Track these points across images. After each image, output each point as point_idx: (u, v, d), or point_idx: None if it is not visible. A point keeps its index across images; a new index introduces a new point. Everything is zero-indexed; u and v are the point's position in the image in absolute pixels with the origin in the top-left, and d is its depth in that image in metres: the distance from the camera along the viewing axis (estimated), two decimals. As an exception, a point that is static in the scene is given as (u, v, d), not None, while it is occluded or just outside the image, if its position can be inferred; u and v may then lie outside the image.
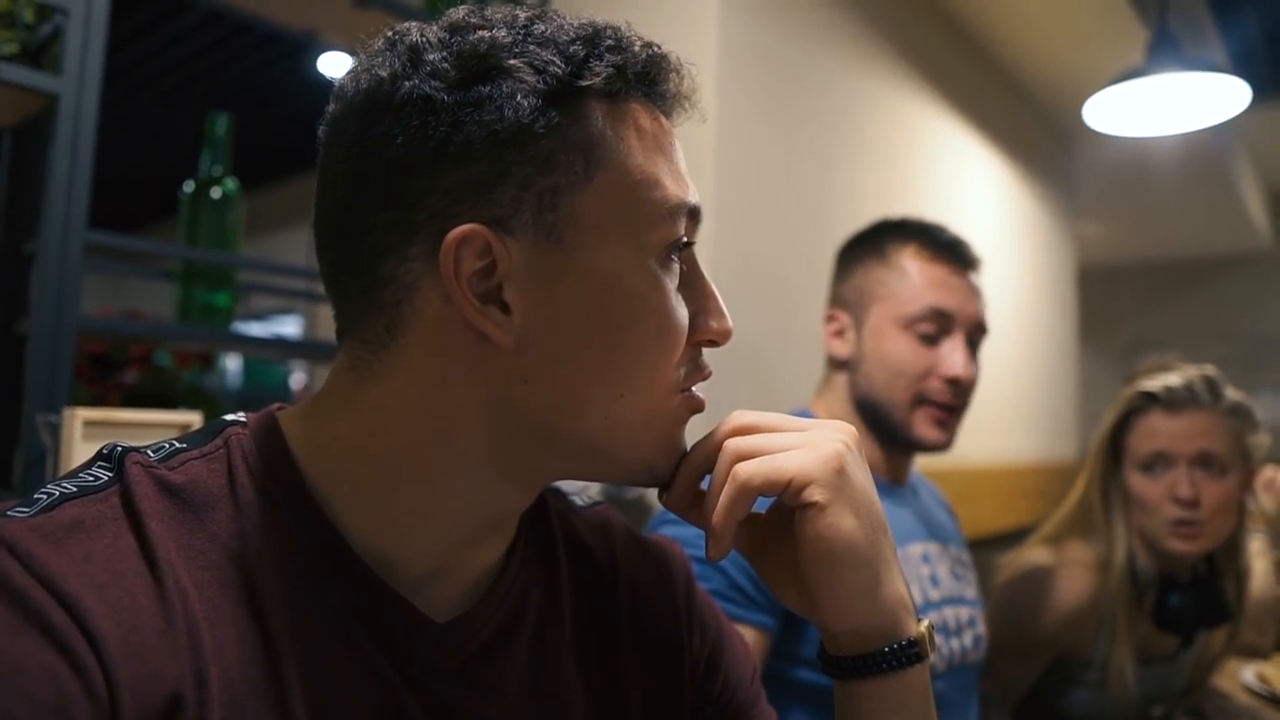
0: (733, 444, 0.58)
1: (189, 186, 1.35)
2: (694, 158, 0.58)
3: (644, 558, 0.71)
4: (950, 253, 1.25)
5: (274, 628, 0.50)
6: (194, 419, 1.10)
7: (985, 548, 1.65)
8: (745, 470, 0.56)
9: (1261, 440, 1.49)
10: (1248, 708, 1.60)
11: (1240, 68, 2.27)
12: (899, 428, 1.22)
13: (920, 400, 1.21)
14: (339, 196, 0.54)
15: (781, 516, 0.61)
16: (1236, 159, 4.61)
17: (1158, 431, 1.46)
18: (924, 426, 1.21)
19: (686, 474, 0.59)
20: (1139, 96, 2.37)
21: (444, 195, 0.51)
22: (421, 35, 0.53)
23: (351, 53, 1.78)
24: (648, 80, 0.56)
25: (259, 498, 0.53)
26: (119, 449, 0.53)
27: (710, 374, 0.60)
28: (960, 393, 1.22)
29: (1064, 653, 1.48)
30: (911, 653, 0.58)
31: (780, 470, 0.56)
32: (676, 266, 0.56)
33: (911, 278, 1.22)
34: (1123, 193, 4.74)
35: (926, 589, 1.22)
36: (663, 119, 0.57)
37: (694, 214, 0.57)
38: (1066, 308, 3.95)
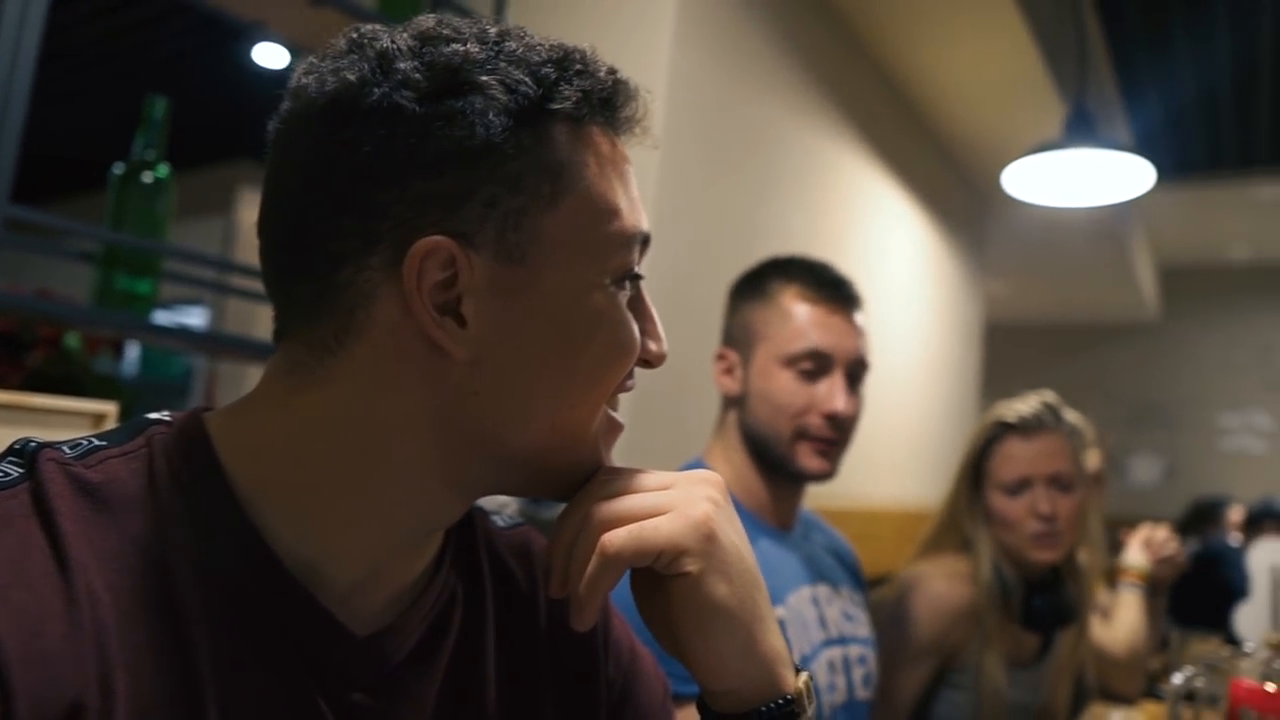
0: (599, 511, 0.56)
1: (119, 168, 1.30)
2: (637, 186, 0.59)
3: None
4: (830, 292, 1.27)
5: (190, 636, 0.48)
6: (109, 409, 1.06)
7: (885, 585, 1.71)
8: (615, 542, 0.54)
9: (1091, 456, 1.70)
10: None
11: (1144, 148, 2.42)
12: (783, 460, 1.25)
13: (800, 435, 1.24)
14: (295, 199, 0.52)
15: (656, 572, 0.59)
16: (1133, 235, 4.90)
17: (1018, 457, 1.62)
18: (806, 457, 1.24)
19: (559, 551, 0.57)
20: (1053, 168, 2.50)
21: (410, 207, 0.50)
22: (392, 42, 0.52)
23: (294, 48, 1.74)
24: (610, 106, 0.56)
25: (180, 501, 0.51)
26: (32, 444, 0.51)
27: (633, 387, 0.60)
28: (839, 426, 1.25)
29: (946, 659, 1.58)
30: (788, 710, 0.57)
31: (650, 542, 0.54)
32: (628, 292, 0.57)
33: (792, 318, 1.25)
34: (1030, 257, 4.99)
35: (815, 631, 1.26)
36: (620, 145, 0.57)
37: (645, 242, 0.58)
38: (971, 360, 4.11)
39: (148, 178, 1.30)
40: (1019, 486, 1.61)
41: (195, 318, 5.02)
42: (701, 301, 1.91)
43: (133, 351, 3.69)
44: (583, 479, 0.58)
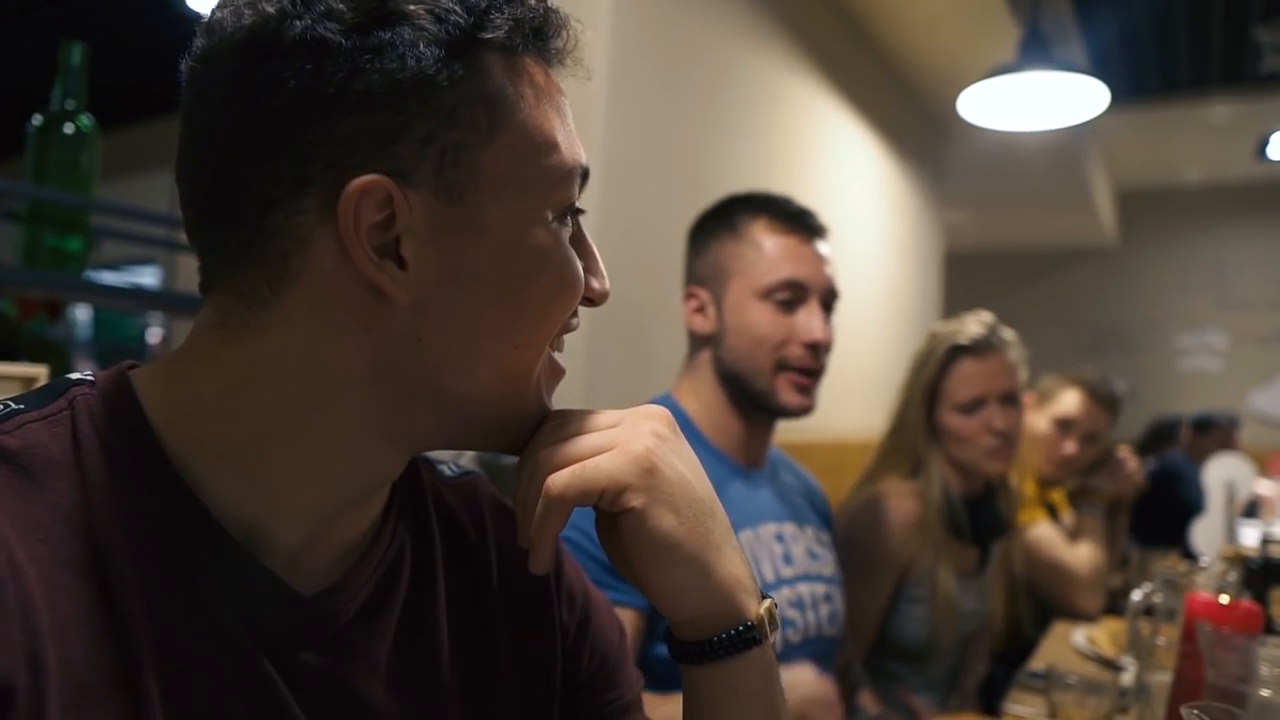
0: (547, 455, 0.56)
1: (38, 120, 1.24)
2: (583, 125, 0.57)
3: (512, 526, 0.70)
4: (799, 223, 1.27)
5: (124, 605, 0.46)
6: (39, 372, 1.02)
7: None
8: (557, 484, 0.54)
9: (1024, 372, 1.82)
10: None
11: (1099, 70, 2.41)
12: (763, 395, 1.25)
13: (781, 367, 1.24)
14: (217, 143, 0.49)
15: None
16: (1089, 159, 4.91)
17: (973, 376, 1.72)
18: (786, 393, 1.25)
19: (517, 500, 0.58)
20: (1009, 92, 2.48)
21: (341, 146, 0.48)
22: None
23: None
24: (542, 36, 0.54)
25: (108, 464, 0.48)
26: None
27: (578, 326, 0.59)
28: (818, 355, 1.26)
29: (902, 572, 1.64)
30: (749, 637, 0.58)
31: (591, 481, 0.54)
32: (570, 228, 0.56)
33: (765, 250, 1.25)
34: (988, 184, 4.99)
35: (779, 566, 1.26)
36: (553, 76, 0.56)
37: (585, 176, 0.56)
38: (932, 290, 4.12)
39: (69, 129, 1.24)
40: (974, 405, 1.70)
41: (147, 277, 4.89)
42: (655, 239, 1.88)
43: (85, 315, 3.58)
44: (528, 431, 0.58)
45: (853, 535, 1.61)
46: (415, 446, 0.57)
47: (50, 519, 0.46)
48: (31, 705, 0.41)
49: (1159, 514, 3.40)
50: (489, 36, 0.50)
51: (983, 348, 1.72)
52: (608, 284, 0.59)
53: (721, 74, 2.25)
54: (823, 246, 1.28)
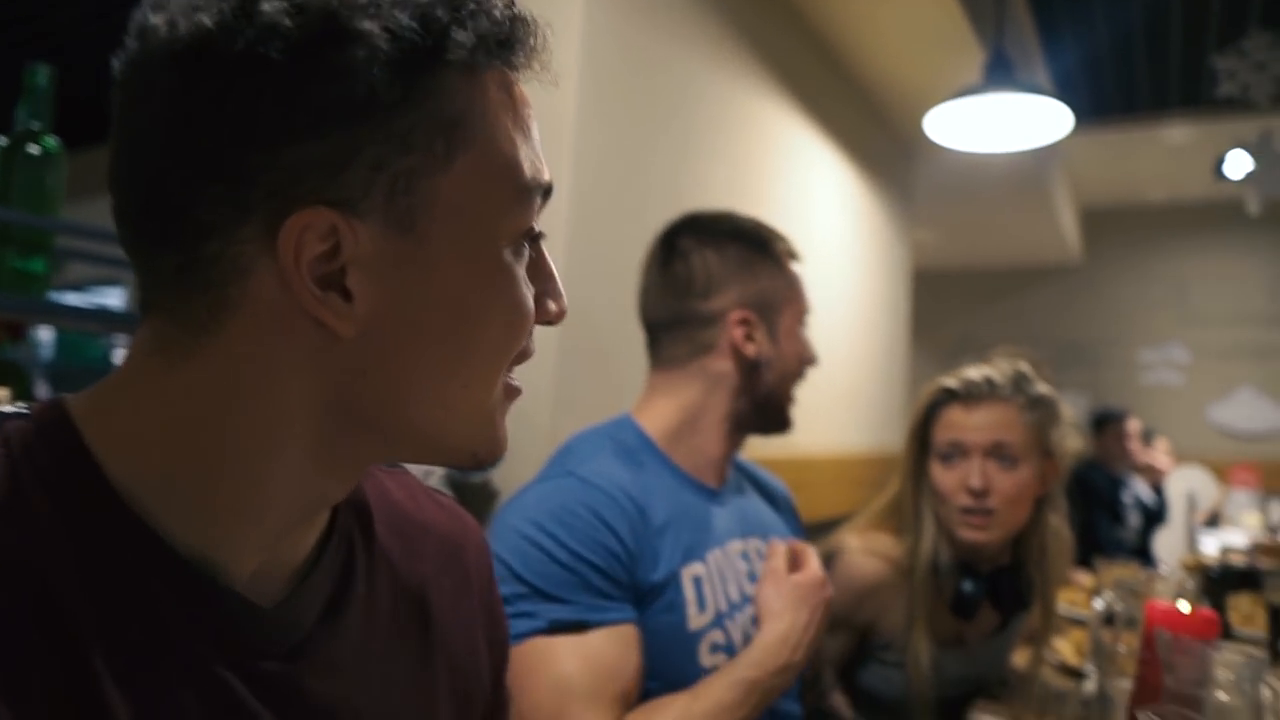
0: None
1: (2, 141, 1.24)
2: (552, 145, 0.58)
3: (443, 510, 0.70)
4: (795, 251, 1.36)
5: (81, 647, 0.44)
6: (1, 394, 1.01)
7: (819, 531, 1.72)
8: None
9: (1067, 436, 1.54)
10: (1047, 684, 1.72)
11: (1062, 92, 2.46)
12: (786, 416, 1.34)
13: None
14: (151, 160, 0.46)
15: None
16: (1054, 178, 4.99)
17: (955, 423, 1.50)
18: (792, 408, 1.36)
19: None
20: (974, 113, 2.53)
21: (284, 174, 0.45)
22: None
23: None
24: (508, 47, 0.51)
25: (49, 500, 0.46)
26: None
27: (533, 353, 0.57)
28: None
29: (864, 633, 1.53)
30: None
31: None
32: (527, 253, 0.54)
33: (797, 280, 1.34)
34: (955, 203, 5.05)
35: (743, 584, 1.26)
36: (520, 90, 0.53)
37: (547, 193, 0.55)
38: (901, 308, 4.17)
39: (34, 150, 1.24)
40: (954, 453, 1.49)
41: (112, 298, 4.82)
42: (623, 259, 1.89)
43: (48, 337, 3.52)
44: (476, 454, 0.55)
45: None
46: (361, 470, 0.56)
47: None
48: None
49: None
50: (450, 56, 0.48)
51: (976, 394, 1.49)
52: (565, 302, 0.58)
53: (691, 95, 2.28)
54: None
